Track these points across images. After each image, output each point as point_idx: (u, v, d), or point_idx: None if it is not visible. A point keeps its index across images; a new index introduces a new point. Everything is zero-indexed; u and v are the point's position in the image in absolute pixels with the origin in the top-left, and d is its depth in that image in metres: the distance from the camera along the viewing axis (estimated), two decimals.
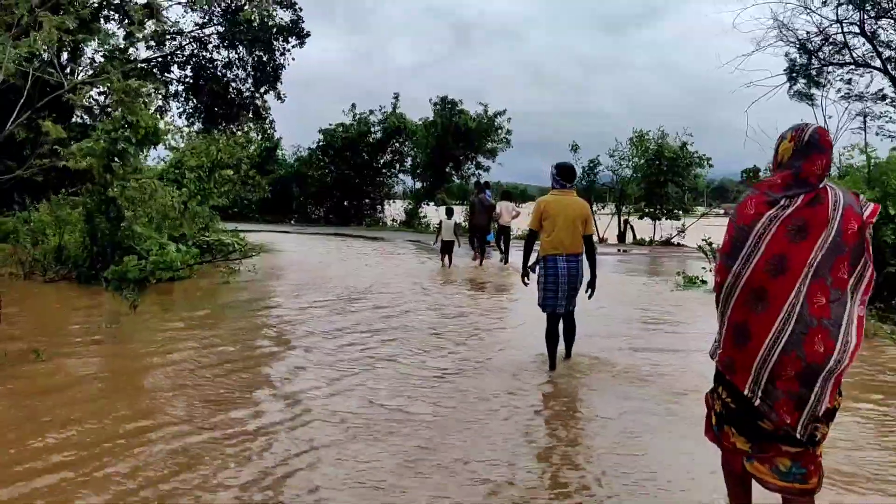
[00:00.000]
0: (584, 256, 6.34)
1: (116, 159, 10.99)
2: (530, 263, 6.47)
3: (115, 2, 25.42)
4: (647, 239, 25.92)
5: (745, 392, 2.70)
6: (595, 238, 6.84)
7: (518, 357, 6.80)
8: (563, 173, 6.32)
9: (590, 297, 6.33)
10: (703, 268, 12.48)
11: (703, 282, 12.26)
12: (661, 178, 24.55)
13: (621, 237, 26.35)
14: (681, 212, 25.45)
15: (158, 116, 11.85)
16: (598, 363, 6.69)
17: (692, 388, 5.46)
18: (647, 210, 25.60)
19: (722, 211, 38.70)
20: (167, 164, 18.01)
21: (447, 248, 15.09)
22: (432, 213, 32.12)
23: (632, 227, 26.87)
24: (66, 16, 10.81)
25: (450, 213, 16.08)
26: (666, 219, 25.48)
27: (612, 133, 29.00)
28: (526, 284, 6.50)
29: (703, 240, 12.88)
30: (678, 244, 24.95)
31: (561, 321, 6.44)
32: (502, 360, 6.72)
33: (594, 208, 27.24)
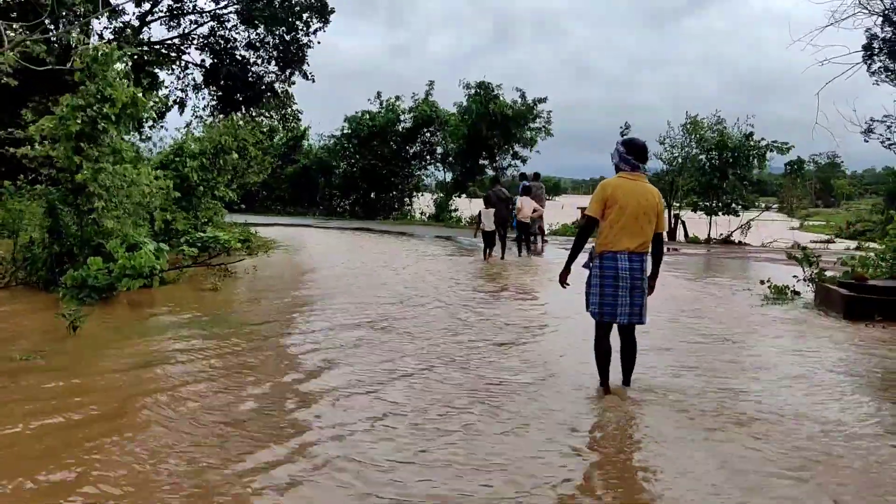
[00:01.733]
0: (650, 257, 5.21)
1: (85, 142, 9.07)
2: (583, 261, 5.31)
3: None
4: (701, 237, 23.36)
5: None
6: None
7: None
8: (635, 151, 5.09)
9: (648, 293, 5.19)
10: (796, 277, 10.11)
11: (797, 293, 9.92)
12: (721, 170, 21.96)
13: (671, 234, 23.79)
14: (740, 207, 22.78)
15: (134, 86, 9.76)
16: (673, 394, 5.06)
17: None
18: (701, 204, 22.95)
19: (775, 207, 35.78)
20: (166, 151, 16.19)
21: (489, 239, 14.52)
22: (464, 205, 29.93)
23: (683, 223, 24.29)
24: None
25: (488, 201, 14.84)
26: (723, 214, 22.85)
27: (655, 127, 26.37)
28: (565, 286, 5.32)
29: (796, 245, 10.47)
30: (739, 242, 22.38)
31: (619, 339, 5.26)
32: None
33: None
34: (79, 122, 8.88)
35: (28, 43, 11.02)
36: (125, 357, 6.09)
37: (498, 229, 14.67)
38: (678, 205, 24.18)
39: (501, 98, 28.72)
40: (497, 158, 30.10)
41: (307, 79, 28.05)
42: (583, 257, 5.29)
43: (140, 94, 9.69)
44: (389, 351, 6.45)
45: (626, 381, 5.29)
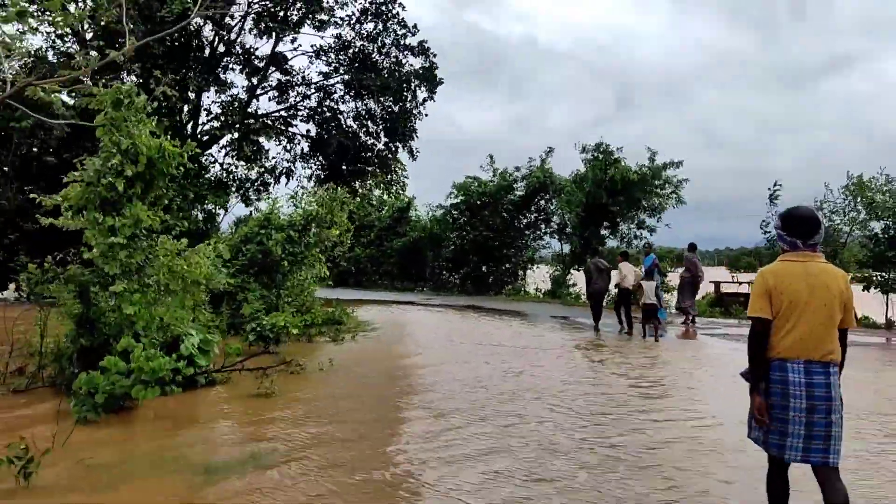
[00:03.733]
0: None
1: (108, 210, 7.53)
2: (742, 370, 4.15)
3: (238, 50, 23.77)
4: (878, 320, 19.24)
5: None
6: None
7: None
8: (800, 225, 3.95)
9: None
10: None
11: None
12: None
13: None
14: None
15: (161, 133, 8.19)
16: None
17: None
18: (876, 278, 18.90)
19: None
20: (252, 223, 14.89)
21: (650, 314, 13.38)
22: (582, 279, 27.05)
23: None
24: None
25: (649, 274, 14.10)
26: None
27: (791, 194, 22.33)
28: (761, 417, 3.91)
29: None
30: None
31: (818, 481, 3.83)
32: None
33: None
34: (99, 187, 7.32)
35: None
36: None
37: (599, 302, 14.57)
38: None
39: (624, 162, 26.14)
40: (618, 228, 27.30)
41: (412, 154, 26.89)
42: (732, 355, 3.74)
43: (168, 144, 8.07)
44: None
45: None
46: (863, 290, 19.08)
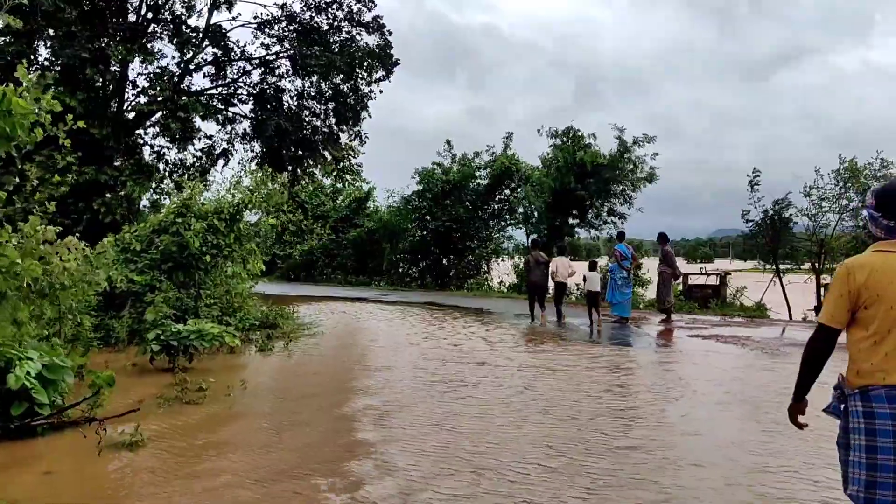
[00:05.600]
0: None
1: None
2: (827, 404, 3.13)
3: (167, 17, 21.15)
4: None
5: None
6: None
7: None
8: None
9: None
10: None
11: None
12: None
13: (819, 312, 18.30)
14: None
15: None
16: None
17: None
18: None
19: None
20: (166, 212, 12.59)
21: (593, 300, 14.28)
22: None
23: None
24: None
25: (593, 265, 15.04)
26: None
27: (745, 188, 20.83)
28: (800, 426, 3.16)
29: None
30: None
31: None
32: None
33: (781, 268, 19.50)
34: None
35: None
36: None
37: (539, 295, 15.15)
38: (827, 273, 18.78)
39: (594, 147, 24.41)
40: (587, 217, 25.57)
41: (360, 139, 24.61)
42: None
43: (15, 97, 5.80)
44: None
45: None
46: None
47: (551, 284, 15.44)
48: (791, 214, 18.54)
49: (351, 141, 24.77)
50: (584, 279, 14.91)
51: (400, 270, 29.76)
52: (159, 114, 21.19)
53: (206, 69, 22.59)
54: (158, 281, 11.27)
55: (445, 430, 6.09)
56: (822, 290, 18.57)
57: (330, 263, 31.08)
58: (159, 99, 20.61)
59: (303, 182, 25.32)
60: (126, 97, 21.34)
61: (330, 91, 23.53)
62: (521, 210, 27.55)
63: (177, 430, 6.12)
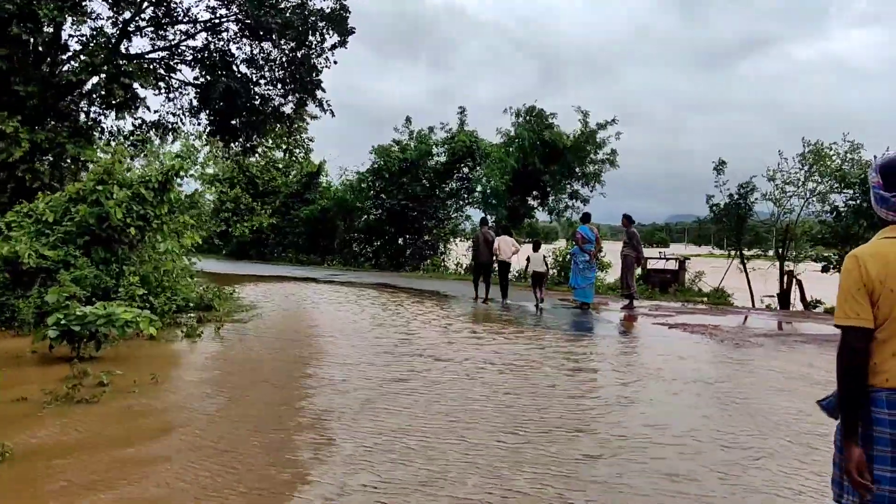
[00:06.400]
0: None
1: None
2: (823, 399, 2.70)
3: None
4: (828, 302, 17.43)
5: None
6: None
7: None
8: None
9: None
10: None
11: None
12: (865, 213, 15.92)
13: (783, 301, 17.91)
14: None
15: None
16: None
17: None
18: (834, 257, 16.91)
19: None
20: (86, 179, 11.29)
21: (538, 280, 14.60)
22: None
23: (799, 284, 18.36)
24: None
25: (537, 245, 15.38)
26: None
27: (707, 174, 20.37)
28: (866, 487, 2.41)
29: None
30: None
31: None
32: None
33: (745, 254, 19.03)
34: None
35: None
36: None
37: (484, 274, 15.29)
38: (794, 256, 18.39)
39: (558, 127, 23.59)
40: (548, 199, 24.82)
41: (322, 107, 23.23)
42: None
43: None
44: None
45: None
46: (822, 271, 17.21)
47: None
48: (755, 200, 18.03)
49: (316, 111, 23.37)
50: (528, 259, 15.21)
51: (354, 250, 28.65)
52: (95, 79, 19.54)
53: (146, 30, 20.94)
54: (73, 257, 10.03)
55: (400, 461, 5.15)
56: (786, 276, 18.20)
57: (281, 241, 29.77)
58: (94, 63, 18.95)
59: (257, 154, 23.83)
60: (59, 59, 19.63)
61: (281, 56, 22.10)
62: (479, 189, 26.66)
63: (55, 441, 5.02)
